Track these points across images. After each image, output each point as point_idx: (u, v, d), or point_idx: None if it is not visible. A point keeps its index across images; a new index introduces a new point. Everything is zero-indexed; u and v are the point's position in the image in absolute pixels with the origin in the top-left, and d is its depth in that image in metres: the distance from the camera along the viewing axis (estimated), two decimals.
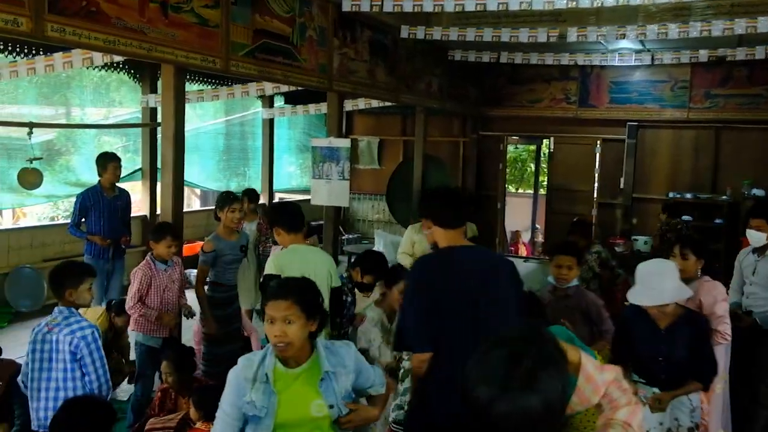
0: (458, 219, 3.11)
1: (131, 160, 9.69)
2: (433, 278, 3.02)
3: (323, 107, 9.38)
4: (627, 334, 3.75)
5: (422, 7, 6.66)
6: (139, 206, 9.50)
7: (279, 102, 11.46)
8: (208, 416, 3.32)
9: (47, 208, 11.80)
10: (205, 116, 10.91)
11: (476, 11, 8.13)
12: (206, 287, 5.33)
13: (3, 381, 4.17)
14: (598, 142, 12.00)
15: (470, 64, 10.59)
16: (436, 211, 3.13)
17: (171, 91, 5.29)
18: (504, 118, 12.40)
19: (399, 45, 8.87)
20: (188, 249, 9.47)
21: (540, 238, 14.37)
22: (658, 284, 3.45)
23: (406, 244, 6.63)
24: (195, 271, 9.19)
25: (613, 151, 11.83)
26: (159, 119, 7.82)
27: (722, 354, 4.01)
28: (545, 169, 14.55)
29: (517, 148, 18.77)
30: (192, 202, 14.30)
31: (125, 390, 5.48)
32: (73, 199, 7.04)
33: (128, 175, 9.04)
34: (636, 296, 3.54)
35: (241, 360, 2.49)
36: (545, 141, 13.76)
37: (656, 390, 3.60)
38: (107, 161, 6.34)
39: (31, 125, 6.92)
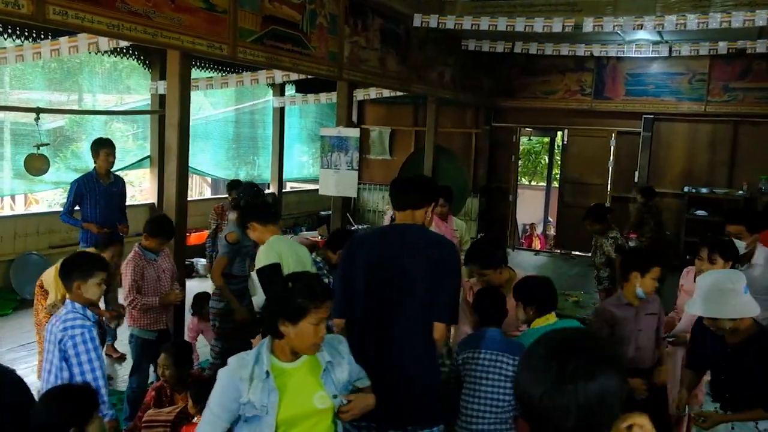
0: (401, 203, 3.22)
1: (141, 147, 9.65)
2: (354, 250, 3.20)
3: (334, 96, 9.28)
4: (699, 341, 3.47)
5: None
6: (148, 194, 9.46)
7: (290, 91, 11.36)
8: None
9: (58, 194, 11.80)
10: (218, 104, 10.84)
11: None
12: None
13: None
14: (613, 134, 11.82)
15: (484, 54, 10.44)
16: (390, 194, 3.36)
17: (176, 78, 5.20)
18: (517, 110, 12.24)
19: (411, 34, 8.73)
20: (196, 237, 9.46)
21: (552, 231, 14.24)
22: (718, 298, 3.13)
23: None
24: (202, 260, 9.29)
25: (628, 144, 11.65)
26: None
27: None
28: (559, 162, 14.38)
29: (530, 140, 18.58)
30: (204, 190, 14.29)
31: (123, 380, 5.44)
32: None
33: (137, 162, 9.00)
34: (692, 306, 3.25)
35: (232, 360, 2.39)
36: (559, 133, 13.60)
37: (717, 406, 3.31)
38: (99, 147, 6.15)
39: (38, 110, 6.87)
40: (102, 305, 5.24)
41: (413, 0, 8.13)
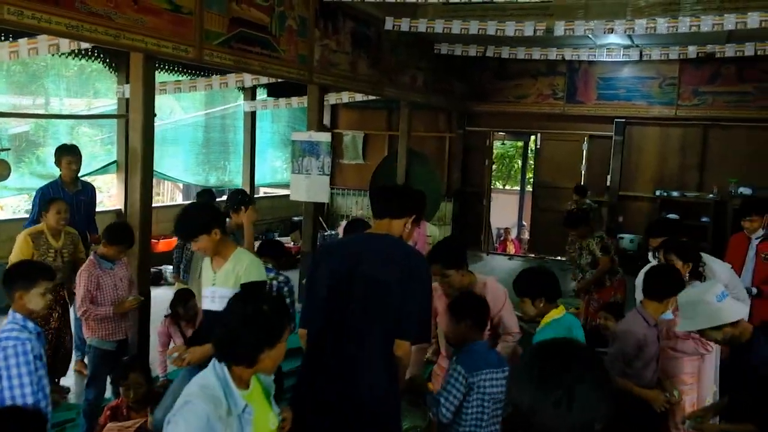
0: (379, 210, 3.07)
1: (108, 152, 9.44)
2: (321, 259, 3.09)
3: (306, 100, 9.17)
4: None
5: None
6: (115, 200, 9.25)
7: (261, 95, 11.22)
8: None
9: (23, 200, 11.51)
10: (190, 108, 10.67)
11: (462, 3, 8.00)
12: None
13: None
14: (586, 138, 11.88)
15: (456, 58, 10.42)
16: (370, 200, 3.23)
17: (140, 81, 5.05)
18: (490, 114, 12.24)
19: (383, 37, 8.66)
20: (165, 244, 9.28)
21: (526, 235, 14.26)
22: (691, 312, 3.09)
23: None
24: (171, 267, 9.08)
25: (600, 148, 11.71)
26: None
27: (710, 364, 3.80)
28: (532, 166, 14.42)
29: (503, 144, 18.65)
30: (176, 196, 14.07)
31: (78, 393, 5.26)
32: None
33: (103, 167, 8.80)
34: (679, 325, 3.25)
35: (201, 400, 2.06)
36: (532, 137, 13.65)
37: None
38: (61, 155, 5.86)
39: None
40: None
41: (385, 3, 8.06)
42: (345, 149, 13.19)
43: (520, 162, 18.01)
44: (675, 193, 10.92)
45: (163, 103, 10.07)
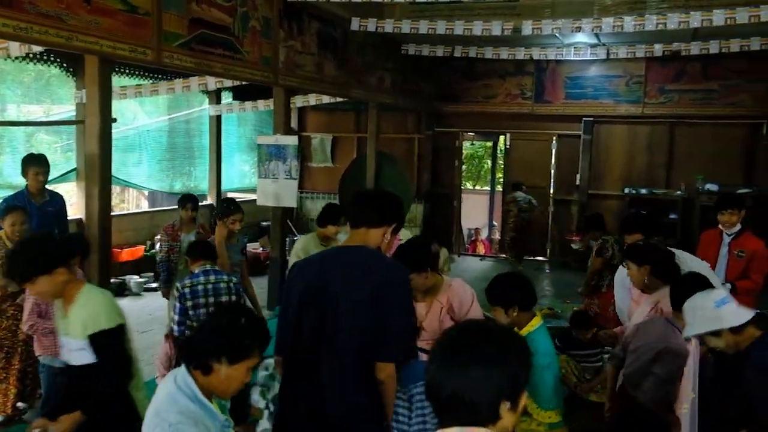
0: (355, 218, 2.80)
1: (69, 160, 9.14)
2: (293, 276, 2.86)
3: (273, 103, 9.01)
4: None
5: None
6: (76, 209, 8.96)
7: (227, 98, 11.01)
8: None
9: None
10: (154, 113, 10.41)
11: (429, 2, 7.92)
12: None
13: None
14: (554, 138, 11.87)
15: (424, 58, 10.34)
16: (348, 207, 3.00)
17: (96, 85, 4.86)
18: (459, 114, 12.18)
19: (349, 38, 8.54)
20: (129, 253, 9.03)
21: (497, 236, 14.22)
22: (690, 317, 3.05)
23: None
24: (135, 277, 8.85)
25: (569, 147, 11.71)
26: None
27: (688, 370, 3.69)
28: (502, 166, 14.39)
29: (473, 144, 18.63)
30: (141, 203, 13.76)
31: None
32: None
33: (62, 175, 8.51)
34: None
35: (188, 426, 1.98)
36: (501, 137, 13.62)
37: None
38: (27, 166, 5.61)
39: None
40: None
41: (351, 3, 7.94)
42: (313, 152, 13.02)
43: (489, 162, 18.01)
44: (643, 191, 10.97)
45: (125, 108, 9.80)
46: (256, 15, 6.60)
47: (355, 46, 8.75)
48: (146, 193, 12.69)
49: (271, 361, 3.35)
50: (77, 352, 2.85)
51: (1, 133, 8.57)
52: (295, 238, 9.94)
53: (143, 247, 9.28)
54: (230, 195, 12.38)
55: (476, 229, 14.71)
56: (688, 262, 4.25)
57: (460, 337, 1.61)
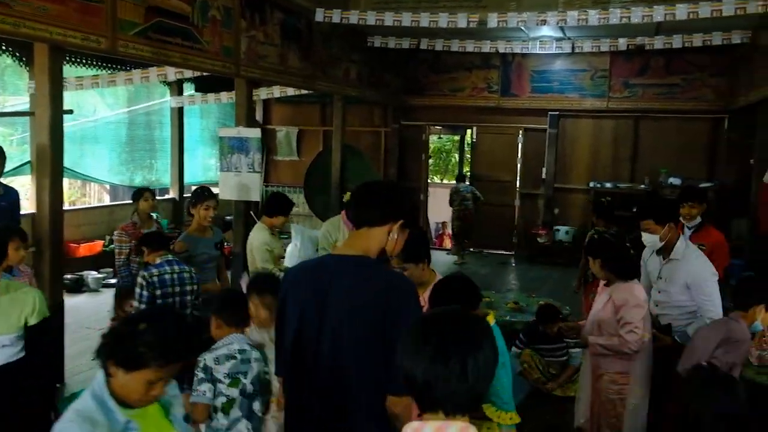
0: (359, 217, 2.45)
1: (24, 152, 8.86)
2: (288, 289, 2.49)
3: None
4: None
5: None
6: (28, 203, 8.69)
7: (189, 90, 10.78)
8: None
9: None
10: (115, 106, 10.13)
11: None
12: None
13: None
14: (521, 131, 11.88)
15: (390, 51, 10.26)
16: (351, 206, 2.55)
17: (46, 74, 4.67)
18: (426, 108, 12.12)
19: (314, 29, 8.39)
20: (87, 248, 8.81)
21: None
22: None
23: (324, 240, 6.11)
24: (93, 273, 8.63)
25: (535, 141, 11.74)
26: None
27: (639, 365, 3.68)
28: (469, 160, 14.38)
29: (440, 138, 18.60)
30: (103, 197, 13.45)
31: None
32: None
33: (15, 168, 8.24)
34: None
35: (76, 425, 1.83)
36: (469, 131, 13.60)
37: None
38: None
39: None
40: None
41: None
42: (278, 145, 12.86)
43: (457, 156, 17.99)
44: (608, 185, 11.04)
45: (85, 100, 9.54)
46: (216, 4, 6.42)
47: (320, 37, 8.61)
48: (108, 186, 12.41)
49: (236, 347, 3.16)
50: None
51: None
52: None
53: (102, 242, 9.05)
54: (194, 189, 12.20)
55: (443, 222, 14.66)
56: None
57: (435, 324, 1.61)
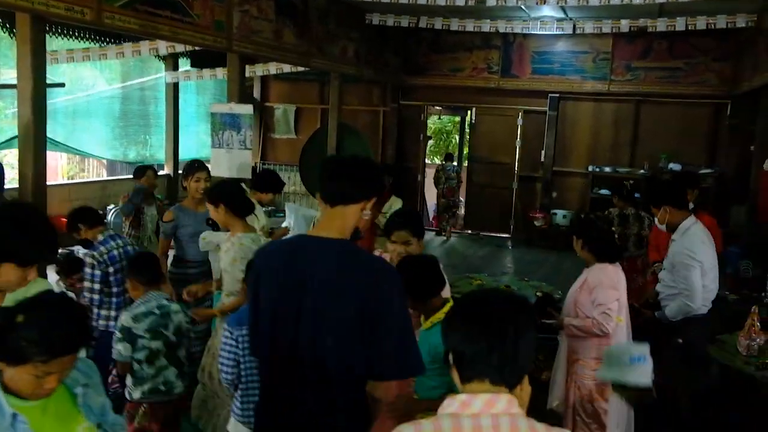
0: (332, 194, 2.30)
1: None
2: (260, 271, 2.39)
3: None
4: None
5: None
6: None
7: (185, 65, 10.64)
8: None
9: None
10: (115, 80, 10.02)
11: None
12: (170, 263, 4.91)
13: None
14: (520, 113, 11.73)
15: (390, 30, 10.11)
16: (320, 181, 2.40)
17: (27, 45, 4.56)
18: (425, 87, 11.97)
19: (309, 5, 8.25)
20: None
21: (462, 211, 14.11)
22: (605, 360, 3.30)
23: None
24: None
25: (535, 123, 11.60)
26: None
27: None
28: (468, 141, 14.25)
29: (440, 119, 18.46)
30: (101, 172, 13.38)
31: None
32: None
33: (5, 141, 8.16)
34: None
35: None
36: (470, 112, 13.45)
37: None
38: None
39: None
40: None
41: None
42: (276, 123, 12.74)
43: (457, 137, 17.84)
44: (607, 169, 10.92)
45: (83, 74, 9.44)
46: None
47: (316, 14, 8.47)
48: (105, 162, 12.33)
49: (154, 303, 3.42)
50: None
51: None
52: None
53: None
54: None
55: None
56: None
57: (491, 299, 1.68)
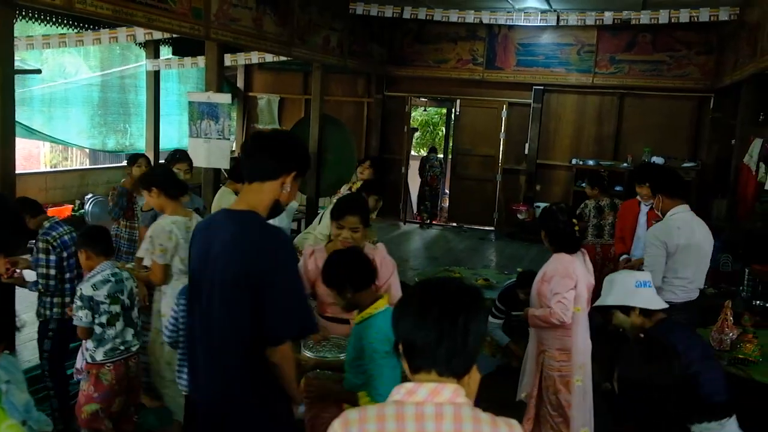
0: (250, 171, 2.38)
1: None
2: (191, 244, 2.54)
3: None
4: None
5: None
6: None
7: (166, 53, 10.50)
8: None
9: None
10: (98, 68, 9.86)
11: None
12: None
13: None
14: (505, 105, 11.70)
15: (375, 20, 10.03)
16: (241, 159, 2.60)
17: None
18: (410, 79, 11.91)
19: None
20: (54, 213, 8.59)
21: (446, 203, 14.09)
22: (608, 287, 3.34)
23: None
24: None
25: (519, 116, 11.57)
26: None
27: (575, 339, 3.60)
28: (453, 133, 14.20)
29: (425, 110, 18.40)
30: (84, 160, 13.26)
31: None
32: None
33: None
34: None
35: None
36: (456, 104, 13.41)
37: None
38: None
39: None
40: None
41: None
42: (260, 113, 12.65)
43: (444, 129, 17.80)
44: (591, 162, 10.91)
45: (66, 61, 9.30)
46: None
47: (298, 2, 8.37)
48: (87, 150, 12.19)
49: (109, 272, 3.63)
50: None
51: None
52: None
53: (71, 206, 8.87)
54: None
55: None
56: None
57: (442, 288, 1.63)
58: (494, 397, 4.43)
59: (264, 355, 2.30)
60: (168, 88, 10.96)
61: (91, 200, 9.05)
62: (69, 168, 11.49)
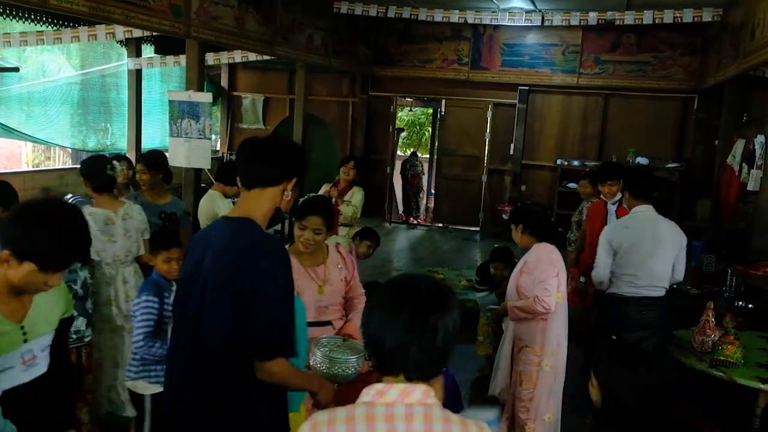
0: (248, 177, 2.28)
1: None
2: (186, 255, 2.40)
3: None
4: None
5: None
6: None
7: (149, 52, 10.38)
8: None
9: None
10: (80, 67, 9.72)
11: None
12: None
13: None
14: (490, 106, 11.66)
15: (359, 19, 9.97)
16: (236, 163, 2.39)
17: None
18: (395, 78, 11.85)
19: None
20: None
21: (429, 202, 14.07)
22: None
23: None
24: None
25: (504, 116, 11.55)
26: None
27: (551, 325, 3.59)
28: (438, 133, 14.19)
29: (411, 110, 18.37)
30: (66, 160, 13.08)
31: None
32: None
33: None
34: None
35: None
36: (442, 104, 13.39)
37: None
38: None
39: None
40: None
41: None
42: (244, 113, 12.54)
43: (430, 130, 17.76)
44: (575, 163, 10.90)
45: (48, 60, 9.16)
46: None
47: (280, 1, 8.30)
48: (69, 150, 12.03)
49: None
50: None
51: None
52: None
53: None
54: None
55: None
56: None
57: (409, 289, 1.58)
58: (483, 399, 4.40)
59: (247, 366, 2.16)
60: (150, 87, 10.84)
61: (71, 200, 8.91)
62: (49, 168, 11.31)
